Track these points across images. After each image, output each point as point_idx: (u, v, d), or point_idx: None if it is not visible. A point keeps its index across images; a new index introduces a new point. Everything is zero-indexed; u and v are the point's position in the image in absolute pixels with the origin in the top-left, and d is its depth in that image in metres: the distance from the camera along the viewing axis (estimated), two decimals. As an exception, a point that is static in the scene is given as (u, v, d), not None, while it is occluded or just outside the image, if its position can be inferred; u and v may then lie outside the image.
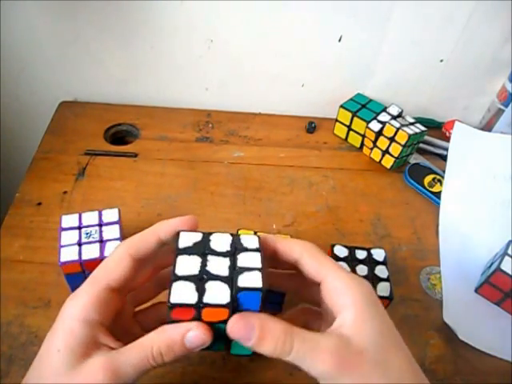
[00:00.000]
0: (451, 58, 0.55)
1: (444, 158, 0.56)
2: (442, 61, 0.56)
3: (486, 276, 0.42)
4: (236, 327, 0.26)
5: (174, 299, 0.26)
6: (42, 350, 0.27)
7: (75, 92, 0.60)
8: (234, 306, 0.26)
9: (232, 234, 0.30)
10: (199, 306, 0.26)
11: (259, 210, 0.49)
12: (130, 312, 0.32)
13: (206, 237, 0.29)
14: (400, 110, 0.55)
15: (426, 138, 0.57)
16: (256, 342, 0.26)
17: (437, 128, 0.60)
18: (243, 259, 0.28)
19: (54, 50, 0.56)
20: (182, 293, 0.26)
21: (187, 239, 0.29)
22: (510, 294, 0.41)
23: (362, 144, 0.56)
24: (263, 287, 0.26)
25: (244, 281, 0.27)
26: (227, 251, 0.29)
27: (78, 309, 0.27)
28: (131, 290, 0.31)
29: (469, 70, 0.56)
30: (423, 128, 0.53)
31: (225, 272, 0.27)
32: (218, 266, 0.28)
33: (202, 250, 0.28)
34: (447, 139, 0.56)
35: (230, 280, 0.27)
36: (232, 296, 0.26)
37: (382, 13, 0.51)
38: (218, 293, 0.26)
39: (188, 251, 0.28)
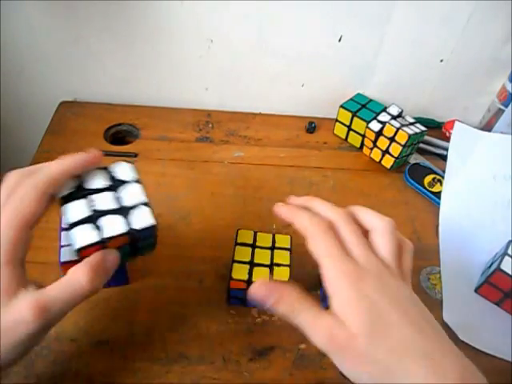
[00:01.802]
0: (451, 58, 0.55)
1: (444, 157, 0.56)
2: (442, 61, 0.56)
3: (486, 276, 0.43)
4: (259, 290, 0.30)
5: (79, 243, 0.28)
6: None
7: (75, 92, 0.60)
8: (133, 233, 0.29)
9: (101, 168, 0.32)
10: (103, 241, 0.28)
11: (259, 210, 0.49)
12: None
13: (80, 180, 0.31)
14: (400, 110, 0.55)
15: (426, 137, 0.57)
16: (272, 305, 0.29)
17: (437, 128, 0.60)
18: (125, 195, 0.31)
19: (54, 50, 0.56)
20: (84, 235, 0.28)
21: (65, 188, 0.31)
22: (510, 294, 0.41)
23: (362, 144, 0.56)
24: (156, 222, 0.30)
25: (137, 222, 0.29)
26: (106, 186, 0.31)
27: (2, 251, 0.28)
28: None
29: (469, 70, 0.56)
30: (423, 128, 0.53)
31: (113, 204, 0.30)
32: (104, 201, 0.30)
33: (82, 192, 0.30)
34: (447, 139, 0.56)
35: (121, 209, 0.30)
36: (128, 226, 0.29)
37: (382, 13, 0.51)
38: (114, 224, 0.29)
39: (71, 198, 0.30)
